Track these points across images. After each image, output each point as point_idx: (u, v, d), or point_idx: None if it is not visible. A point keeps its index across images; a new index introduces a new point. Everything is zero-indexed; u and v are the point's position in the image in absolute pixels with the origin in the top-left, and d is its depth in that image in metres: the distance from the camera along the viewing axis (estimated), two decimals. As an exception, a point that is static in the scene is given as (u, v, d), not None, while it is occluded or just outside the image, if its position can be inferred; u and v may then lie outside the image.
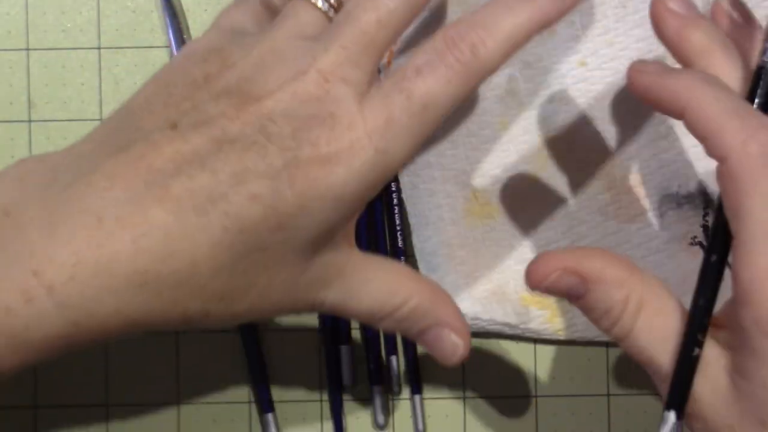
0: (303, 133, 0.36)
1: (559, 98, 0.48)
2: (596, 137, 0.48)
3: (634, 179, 0.48)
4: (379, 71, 0.48)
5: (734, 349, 0.36)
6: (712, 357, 0.37)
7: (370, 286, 0.40)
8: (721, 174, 0.36)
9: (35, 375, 0.51)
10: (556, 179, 0.48)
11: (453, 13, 0.48)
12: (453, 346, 0.41)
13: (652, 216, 0.48)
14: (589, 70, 0.48)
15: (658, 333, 0.38)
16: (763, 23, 0.47)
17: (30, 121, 0.51)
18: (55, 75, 0.51)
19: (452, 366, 0.41)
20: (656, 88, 0.38)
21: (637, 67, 0.39)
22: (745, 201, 0.35)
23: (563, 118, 0.48)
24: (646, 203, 0.48)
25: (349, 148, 0.36)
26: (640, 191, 0.48)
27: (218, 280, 0.36)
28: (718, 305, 0.38)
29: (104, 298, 0.35)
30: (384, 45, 0.38)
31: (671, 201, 0.48)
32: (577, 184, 0.48)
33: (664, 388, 0.38)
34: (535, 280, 0.39)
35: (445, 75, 0.37)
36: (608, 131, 0.48)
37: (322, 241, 0.38)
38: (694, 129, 0.37)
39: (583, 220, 0.49)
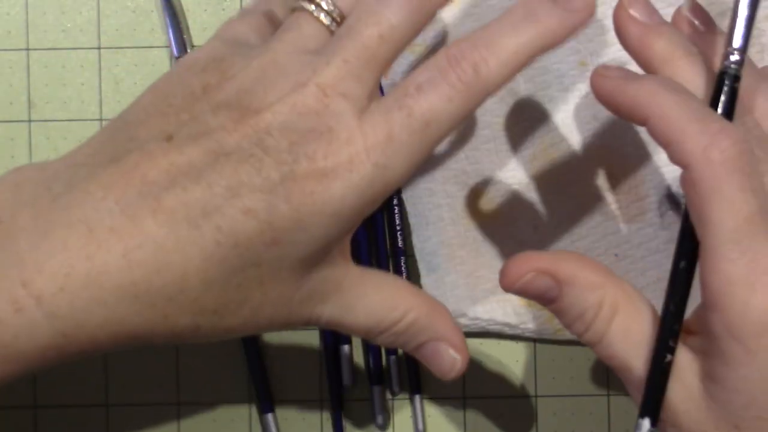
0: (300, 146, 0.36)
1: (559, 98, 0.48)
2: (596, 137, 0.48)
3: (634, 179, 0.48)
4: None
5: (706, 355, 0.36)
6: (685, 362, 0.37)
7: (367, 300, 0.40)
8: (685, 181, 0.36)
9: (35, 375, 0.51)
10: (556, 179, 0.48)
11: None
12: (451, 360, 0.41)
13: (652, 216, 0.48)
14: (589, 70, 0.48)
15: (631, 338, 0.38)
16: (762, 23, 0.48)
17: (30, 121, 0.51)
18: (55, 75, 0.51)
19: (450, 380, 0.41)
20: (618, 93, 0.38)
21: (599, 72, 0.39)
22: (709, 208, 0.35)
23: (563, 117, 0.48)
24: (646, 203, 0.48)
25: (347, 162, 0.36)
26: (640, 191, 0.48)
27: (210, 293, 0.36)
28: (690, 310, 0.38)
29: (94, 310, 0.35)
30: (386, 60, 0.38)
31: (671, 201, 0.48)
32: (576, 184, 0.48)
33: (637, 394, 0.38)
34: (508, 281, 0.39)
35: (446, 93, 0.37)
36: (608, 131, 0.48)
37: (318, 256, 0.37)
38: (656, 136, 0.37)
39: (583, 220, 0.49)
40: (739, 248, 0.35)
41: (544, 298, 0.39)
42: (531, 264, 0.39)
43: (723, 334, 0.35)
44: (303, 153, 0.36)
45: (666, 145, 0.37)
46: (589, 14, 0.39)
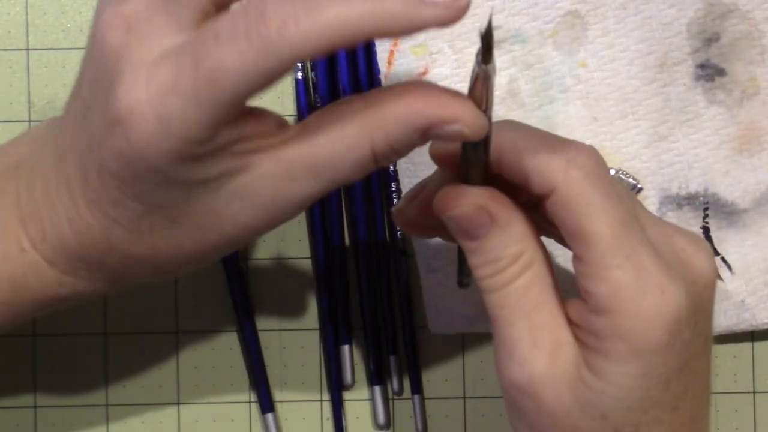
0: (95, 86, 0.35)
1: (560, 99, 0.48)
2: (596, 138, 0.48)
3: (635, 181, 0.48)
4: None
5: (586, 347, 0.37)
6: (566, 343, 0.37)
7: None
8: (554, 205, 0.36)
9: (35, 375, 0.51)
10: (557, 180, 0.49)
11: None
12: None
13: (652, 217, 0.48)
14: (590, 72, 0.48)
15: (529, 296, 0.37)
16: (763, 25, 0.48)
17: (30, 121, 0.50)
18: (55, 75, 0.51)
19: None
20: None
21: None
22: (584, 222, 0.36)
23: (563, 119, 0.48)
24: (646, 204, 0.48)
25: (129, 113, 0.33)
26: (641, 193, 0.48)
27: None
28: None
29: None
30: None
31: (671, 202, 0.48)
32: (577, 184, 0.48)
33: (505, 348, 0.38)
34: (445, 207, 0.37)
35: (240, 48, 0.32)
36: (608, 132, 0.48)
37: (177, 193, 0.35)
38: (512, 173, 0.37)
39: (583, 220, 0.49)
40: (623, 253, 0.35)
41: (469, 233, 0.38)
42: (473, 197, 0.37)
43: (609, 335, 0.36)
44: (97, 95, 0.35)
45: (526, 178, 0.37)
46: (452, 15, 0.32)
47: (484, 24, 0.32)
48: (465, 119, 0.34)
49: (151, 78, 0.33)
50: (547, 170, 0.36)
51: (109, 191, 0.35)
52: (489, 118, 0.35)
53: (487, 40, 0.33)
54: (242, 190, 0.35)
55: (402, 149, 0.35)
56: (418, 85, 0.35)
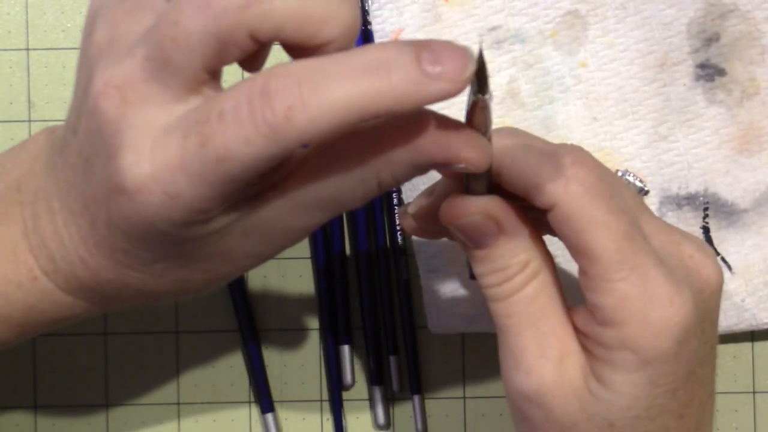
0: (95, 150, 0.34)
1: (560, 99, 0.48)
2: (596, 138, 0.48)
3: (635, 180, 0.48)
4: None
5: (593, 357, 0.37)
6: (573, 352, 0.37)
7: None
8: (555, 219, 0.36)
9: (35, 375, 0.51)
10: (557, 180, 0.49)
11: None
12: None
13: (652, 217, 0.48)
14: (590, 71, 0.48)
15: (537, 305, 0.37)
16: (763, 25, 0.48)
17: (30, 121, 0.50)
18: (55, 75, 0.51)
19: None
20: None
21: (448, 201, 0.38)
22: (586, 238, 0.36)
23: (563, 119, 0.48)
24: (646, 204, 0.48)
25: (135, 188, 0.33)
26: (647, 195, 0.48)
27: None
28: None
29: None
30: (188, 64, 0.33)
31: (671, 202, 0.49)
32: (577, 184, 0.48)
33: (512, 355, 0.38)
34: (453, 216, 0.37)
35: (246, 134, 0.31)
36: (608, 132, 0.48)
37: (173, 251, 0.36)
38: (512, 186, 0.37)
39: (583, 220, 0.49)
40: (628, 266, 0.35)
41: (476, 242, 0.38)
42: (479, 206, 0.37)
43: (617, 346, 0.36)
44: (96, 152, 0.34)
45: (526, 193, 0.37)
46: (455, 88, 0.32)
47: (475, 56, 0.32)
48: (470, 159, 0.34)
49: (157, 153, 0.33)
50: (547, 187, 0.36)
51: (119, 242, 0.35)
52: (489, 139, 0.35)
53: (481, 71, 0.33)
54: (251, 228, 0.36)
55: (407, 180, 0.35)
56: (421, 121, 0.34)
